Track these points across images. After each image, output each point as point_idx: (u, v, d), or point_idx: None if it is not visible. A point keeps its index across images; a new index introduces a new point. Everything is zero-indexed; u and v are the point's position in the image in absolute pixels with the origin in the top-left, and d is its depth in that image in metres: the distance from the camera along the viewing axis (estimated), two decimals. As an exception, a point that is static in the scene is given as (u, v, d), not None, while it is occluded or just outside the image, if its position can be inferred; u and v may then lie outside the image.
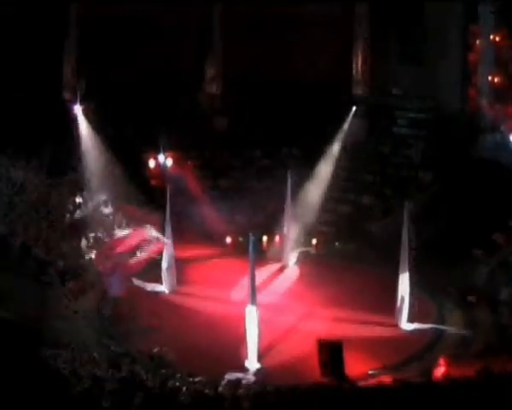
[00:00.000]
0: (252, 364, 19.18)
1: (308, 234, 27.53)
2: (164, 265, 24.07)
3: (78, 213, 25.67)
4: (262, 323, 19.41)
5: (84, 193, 26.34)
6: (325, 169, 29.69)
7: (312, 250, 27.45)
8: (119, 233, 25.46)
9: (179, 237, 24.52)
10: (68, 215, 25.15)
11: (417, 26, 32.00)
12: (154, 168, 29.40)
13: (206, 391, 15.51)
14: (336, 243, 27.88)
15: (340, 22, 32.18)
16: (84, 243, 24.60)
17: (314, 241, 27.61)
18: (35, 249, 23.92)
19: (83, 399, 14.46)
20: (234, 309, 21.32)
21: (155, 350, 18.17)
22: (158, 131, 29.30)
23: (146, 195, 27.81)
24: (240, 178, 30.53)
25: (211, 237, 27.39)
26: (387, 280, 22.54)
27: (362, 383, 17.17)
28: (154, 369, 16.89)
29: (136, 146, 29.91)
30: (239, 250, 24.97)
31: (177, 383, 15.93)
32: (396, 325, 21.49)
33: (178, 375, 16.33)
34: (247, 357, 19.29)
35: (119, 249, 24.82)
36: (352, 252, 27.14)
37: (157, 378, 15.97)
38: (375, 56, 32.41)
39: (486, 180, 27.09)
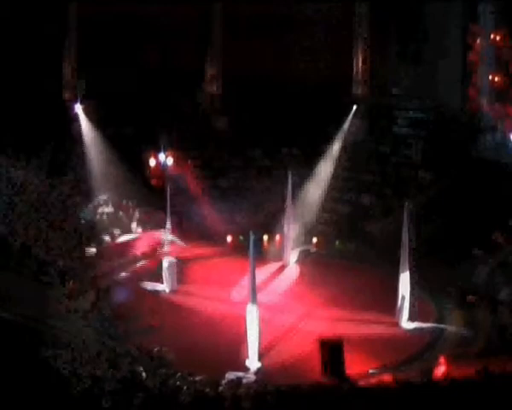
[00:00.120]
0: (252, 363, 19.12)
1: (308, 233, 27.58)
2: (164, 264, 24.10)
3: (88, 216, 25.66)
4: (262, 322, 19.34)
5: (93, 194, 26.31)
6: (325, 169, 29.73)
7: (312, 249, 27.51)
8: (126, 236, 25.35)
9: (180, 236, 24.53)
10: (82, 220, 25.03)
11: (417, 25, 32.03)
12: (154, 167, 29.42)
13: (207, 391, 15.47)
14: (336, 243, 27.92)
15: (340, 22, 32.23)
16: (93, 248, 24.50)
17: (314, 240, 27.65)
18: (35, 249, 23.92)
19: (83, 399, 14.42)
20: (234, 308, 21.38)
21: (155, 350, 18.15)
22: (158, 131, 29.32)
23: (150, 195, 27.82)
24: (240, 177, 30.56)
25: (211, 237, 27.42)
26: (387, 279, 22.62)
27: (362, 383, 17.14)
28: (154, 369, 16.87)
29: (136, 145, 29.89)
30: (239, 250, 25.01)
31: (178, 383, 15.90)
32: (396, 324, 21.47)
33: (179, 374, 16.28)
34: (247, 356, 19.22)
35: (135, 251, 24.71)
36: (352, 252, 27.19)
37: (157, 378, 15.93)
38: (375, 56, 32.45)
39: (486, 180, 27.11)
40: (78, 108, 29.71)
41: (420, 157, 30.75)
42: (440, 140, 30.49)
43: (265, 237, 27.40)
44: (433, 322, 21.86)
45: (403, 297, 21.37)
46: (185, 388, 15.51)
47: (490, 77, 28.93)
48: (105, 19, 30.86)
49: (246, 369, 18.88)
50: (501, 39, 28.33)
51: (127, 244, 25.02)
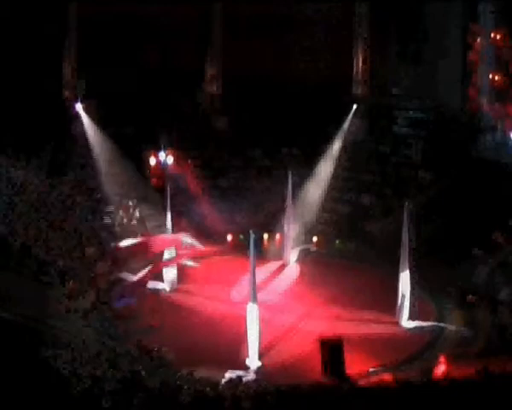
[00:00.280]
0: (252, 362, 19.16)
1: (308, 233, 27.61)
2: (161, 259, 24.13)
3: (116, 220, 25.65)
4: (262, 321, 19.40)
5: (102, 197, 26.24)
6: (325, 169, 29.76)
7: (313, 248, 27.53)
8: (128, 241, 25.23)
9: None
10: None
11: (417, 25, 32.04)
12: (154, 167, 29.42)
13: (207, 390, 15.48)
14: (336, 242, 27.96)
15: (340, 22, 32.25)
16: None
17: (314, 239, 27.69)
18: (35, 249, 23.92)
19: (83, 399, 14.43)
20: (234, 308, 21.41)
21: (155, 349, 18.16)
22: (158, 131, 29.33)
23: (151, 194, 27.82)
24: (240, 177, 30.58)
25: (211, 236, 27.41)
26: (387, 279, 22.67)
27: (362, 382, 17.16)
28: (154, 368, 16.87)
29: (136, 145, 29.87)
30: (239, 249, 25.00)
31: (178, 382, 15.90)
32: (396, 324, 21.51)
33: (179, 374, 16.29)
34: (247, 356, 19.27)
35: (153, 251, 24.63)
36: (352, 251, 27.22)
37: (157, 378, 15.93)
38: (374, 56, 32.46)
39: (486, 180, 27.13)
40: (79, 108, 29.71)
41: (420, 157, 30.76)
42: (440, 140, 30.51)
43: (265, 237, 27.44)
44: (434, 322, 21.85)
45: (403, 296, 21.40)
46: (185, 387, 15.52)
47: (490, 76, 28.96)
48: (105, 19, 30.87)
49: (246, 368, 18.90)
50: (501, 39, 28.36)
51: (145, 247, 24.79)
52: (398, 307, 21.57)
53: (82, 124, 29.55)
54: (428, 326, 21.44)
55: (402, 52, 32.67)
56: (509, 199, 25.72)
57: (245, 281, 20.57)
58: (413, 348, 20.11)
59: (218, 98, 33.40)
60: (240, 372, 17.91)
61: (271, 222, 27.49)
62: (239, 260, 23.38)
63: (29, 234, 23.82)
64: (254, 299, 19.26)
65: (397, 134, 32.07)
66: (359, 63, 32.47)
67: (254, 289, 19.30)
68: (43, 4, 29.89)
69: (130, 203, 27.33)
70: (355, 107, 31.36)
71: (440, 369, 17.30)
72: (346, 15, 32.32)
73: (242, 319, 19.47)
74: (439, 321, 21.92)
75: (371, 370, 18.37)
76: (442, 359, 17.72)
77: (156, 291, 23.77)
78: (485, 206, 25.86)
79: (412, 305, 21.45)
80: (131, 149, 29.04)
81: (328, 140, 30.51)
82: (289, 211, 26.12)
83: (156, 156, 29.28)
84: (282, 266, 26.11)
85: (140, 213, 26.98)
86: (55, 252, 23.80)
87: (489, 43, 28.87)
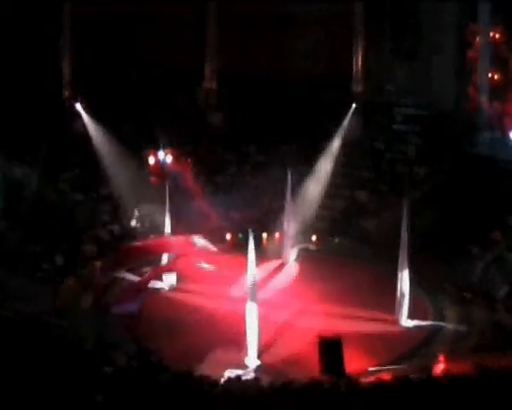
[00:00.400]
0: (251, 360, 19.20)
1: (307, 230, 27.56)
2: (163, 261, 24.15)
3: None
4: (262, 319, 19.39)
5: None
6: (322, 166, 29.72)
7: (312, 247, 27.52)
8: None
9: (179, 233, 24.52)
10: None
11: (412, 22, 32.08)
12: (153, 165, 29.36)
13: (206, 388, 15.55)
14: (333, 239, 27.95)
15: (336, 19, 32.24)
16: None
17: (314, 237, 27.67)
18: (33, 247, 23.98)
19: (79, 395, 14.44)
20: (233, 306, 21.34)
21: (154, 347, 18.26)
22: (156, 129, 29.29)
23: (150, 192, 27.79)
24: (237, 174, 30.51)
25: (210, 234, 27.36)
26: (386, 276, 22.55)
27: (361, 380, 17.24)
28: (152, 366, 16.98)
29: (135, 143, 29.82)
30: (238, 247, 24.88)
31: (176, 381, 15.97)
32: (395, 322, 21.43)
33: (177, 372, 16.36)
34: (246, 354, 19.29)
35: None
36: (349, 248, 27.20)
37: (155, 375, 16.02)
38: (369, 53, 32.46)
39: (481, 176, 27.21)
40: (79, 107, 29.66)
41: (415, 153, 30.81)
42: (435, 136, 30.57)
43: (264, 235, 27.28)
44: (429, 319, 21.84)
45: (402, 294, 21.36)
46: (184, 385, 15.59)
47: (489, 74, 29.03)
48: (101, 18, 30.83)
49: (245, 366, 18.96)
50: (500, 37, 28.43)
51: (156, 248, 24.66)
52: (397, 305, 21.50)
53: (82, 123, 29.49)
54: (426, 324, 21.46)
55: (396, 49, 32.63)
56: (504, 195, 25.84)
57: (244, 279, 20.56)
58: (410, 345, 20.16)
59: (215, 94, 33.27)
60: (239, 371, 18.06)
61: (270, 219, 27.44)
62: (238, 258, 23.36)
63: (28, 232, 23.95)
64: (253, 298, 19.32)
65: (392, 130, 32.09)
66: (358, 61, 32.42)
67: (253, 288, 19.38)
68: (44, 3, 29.82)
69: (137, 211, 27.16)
70: (354, 106, 31.21)
71: (440, 367, 17.39)
72: (342, 13, 32.28)
73: (242, 317, 19.46)
74: (436, 318, 21.87)
75: (371, 369, 18.38)
76: (441, 357, 17.84)
77: (156, 290, 23.69)
78: (480, 201, 25.92)
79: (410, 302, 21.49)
80: (131, 148, 28.99)
81: (325, 137, 30.46)
82: (289, 209, 25.93)
83: (155, 155, 29.26)
84: (282, 265, 26.00)
85: (140, 213, 26.96)
86: (53, 249, 23.94)
87: (488, 41, 28.88)
